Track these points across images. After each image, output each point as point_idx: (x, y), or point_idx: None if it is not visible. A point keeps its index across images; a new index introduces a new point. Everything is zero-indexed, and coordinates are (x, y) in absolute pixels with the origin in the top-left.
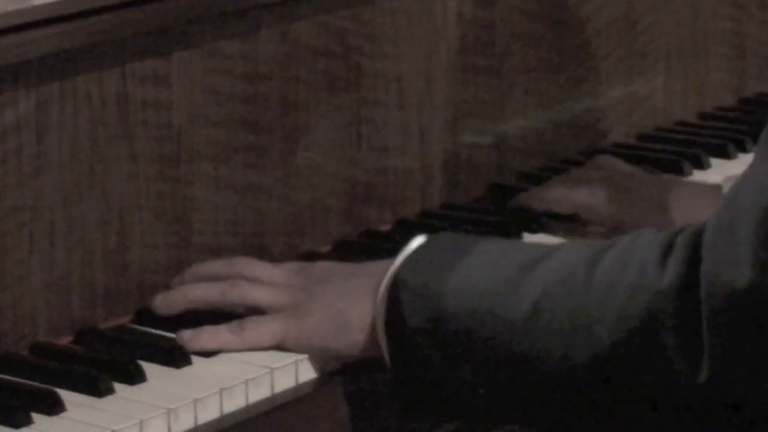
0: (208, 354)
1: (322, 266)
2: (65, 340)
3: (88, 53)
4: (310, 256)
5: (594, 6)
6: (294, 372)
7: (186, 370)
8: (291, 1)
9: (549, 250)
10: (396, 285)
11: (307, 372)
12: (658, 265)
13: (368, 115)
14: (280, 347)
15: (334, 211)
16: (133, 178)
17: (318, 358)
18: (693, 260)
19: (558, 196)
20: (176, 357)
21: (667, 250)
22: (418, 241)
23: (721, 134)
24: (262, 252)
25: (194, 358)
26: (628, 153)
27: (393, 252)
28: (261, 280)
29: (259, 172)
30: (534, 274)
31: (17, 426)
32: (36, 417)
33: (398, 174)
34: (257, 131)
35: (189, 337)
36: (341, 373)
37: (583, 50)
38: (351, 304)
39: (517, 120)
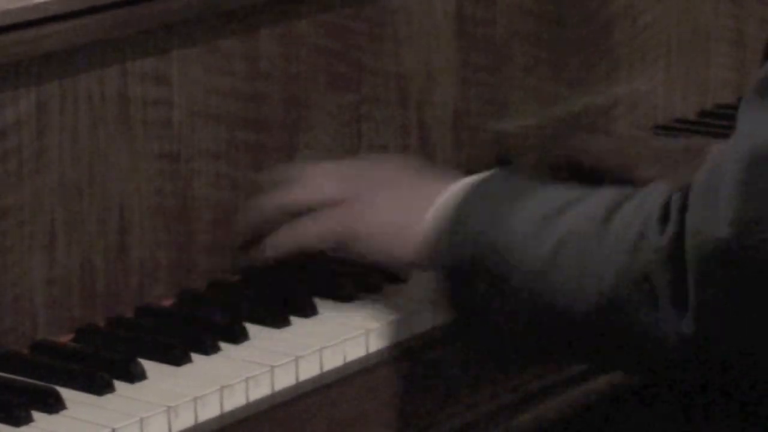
0: (209, 352)
1: (385, 168)
2: (65, 338)
3: (88, 51)
4: (311, 254)
5: (594, 3)
6: (294, 370)
7: (186, 367)
8: (291, 0)
9: (584, 194)
10: (453, 215)
11: (307, 370)
12: (658, 223)
13: (369, 113)
14: (341, 242)
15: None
16: (133, 176)
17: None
18: (682, 217)
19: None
20: (176, 355)
21: (667, 207)
22: (473, 180)
23: (722, 131)
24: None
25: (194, 356)
26: None
27: None
28: (325, 177)
29: (260, 170)
30: (558, 220)
31: (18, 424)
32: (36, 415)
33: None
34: (258, 129)
35: (270, 243)
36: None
37: (583, 48)
38: (413, 211)
39: (518, 118)
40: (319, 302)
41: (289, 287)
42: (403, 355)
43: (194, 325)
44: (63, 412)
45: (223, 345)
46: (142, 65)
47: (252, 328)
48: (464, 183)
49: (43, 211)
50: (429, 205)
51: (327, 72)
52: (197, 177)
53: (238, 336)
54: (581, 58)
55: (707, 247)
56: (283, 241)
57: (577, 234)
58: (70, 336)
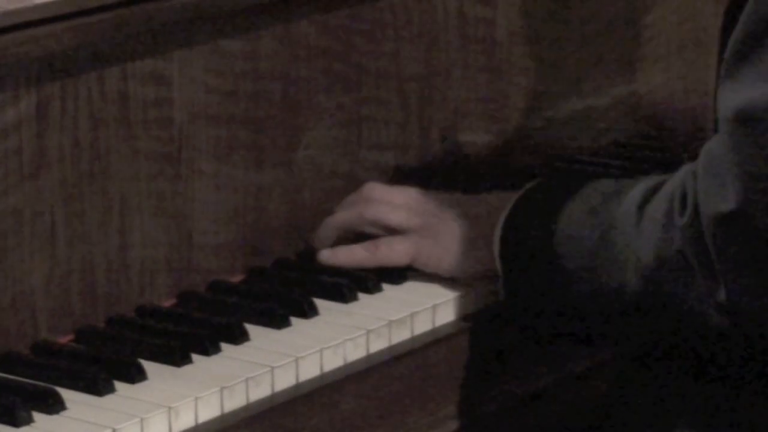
0: (209, 353)
1: (442, 196)
2: (66, 339)
3: (89, 52)
4: (310, 255)
5: (595, 4)
6: (294, 371)
7: (186, 368)
8: (291, 0)
9: (621, 186)
10: (513, 219)
11: (307, 370)
12: (680, 203)
13: (369, 113)
14: (411, 264)
15: (334, 209)
16: (133, 176)
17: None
18: (695, 196)
19: None
20: (177, 355)
21: (684, 190)
22: (529, 185)
23: None
24: (262, 250)
25: (195, 357)
26: (628, 151)
27: None
28: (394, 203)
29: (260, 171)
30: (605, 209)
31: (18, 424)
32: (37, 416)
33: (399, 172)
34: (258, 130)
35: (327, 255)
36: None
37: (583, 48)
38: (473, 228)
39: (518, 118)
40: (319, 303)
41: (289, 288)
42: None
43: (194, 326)
44: (63, 413)
45: (223, 345)
46: (142, 66)
47: (252, 329)
48: (519, 194)
49: (44, 211)
50: (494, 219)
51: (327, 72)
52: (197, 177)
53: (238, 336)
54: (581, 59)
55: (717, 220)
56: (361, 259)
57: (617, 226)
58: (71, 336)
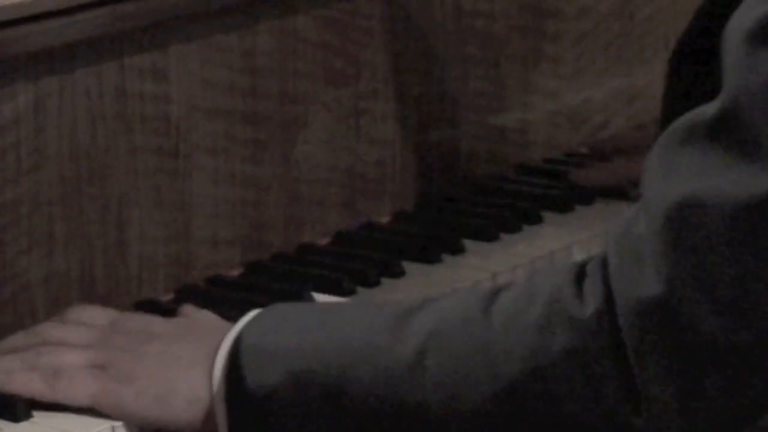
0: (19, 418)
1: (136, 322)
2: None
3: (86, 47)
4: (309, 249)
5: None
6: None
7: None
8: None
9: (427, 300)
10: (239, 349)
11: None
12: (574, 296)
13: (367, 107)
14: (96, 406)
15: (333, 203)
16: (131, 171)
17: (133, 426)
18: (607, 284)
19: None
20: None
21: (580, 279)
22: (255, 311)
23: None
24: (260, 245)
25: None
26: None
27: (392, 245)
28: (69, 342)
29: (258, 165)
30: (415, 320)
31: (18, 420)
32: (36, 411)
33: (397, 166)
34: (256, 124)
35: (1, 378)
36: None
37: (581, 41)
38: (181, 371)
39: (516, 112)
40: (318, 298)
41: (288, 283)
42: None
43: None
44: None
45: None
46: (140, 61)
47: None
48: (242, 325)
49: (42, 207)
50: (199, 361)
51: (325, 67)
52: (196, 172)
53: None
54: (579, 52)
55: (639, 307)
56: (36, 390)
57: (446, 334)
58: None
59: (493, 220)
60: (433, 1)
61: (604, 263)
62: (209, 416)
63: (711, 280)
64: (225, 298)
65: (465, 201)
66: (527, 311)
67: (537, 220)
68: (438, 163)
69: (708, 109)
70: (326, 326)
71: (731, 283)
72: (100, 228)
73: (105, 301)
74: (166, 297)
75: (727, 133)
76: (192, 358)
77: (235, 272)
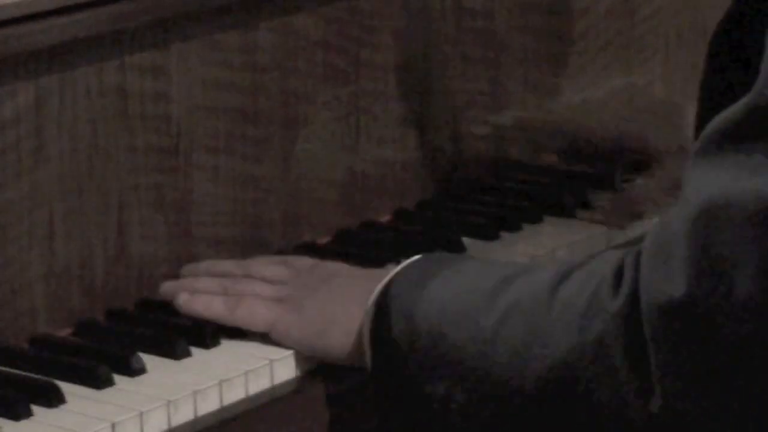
0: (208, 346)
1: (330, 267)
2: (65, 332)
3: (87, 45)
4: (309, 248)
5: None
6: (293, 363)
7: (186, 361)
8: None
9: (525, 268)
10: (384, 297)
11: (306, 364)
12: (611, 289)
13: (367, 106)
14: (269, 333)
15: (333, 202)
16: (132, 170)
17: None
18: (636, 279)
19: None
20: (176, 349)
21: (619, 272)
22: (413, 258)
23: None
24: (261, 244)
25: (194, 350)
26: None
27: (392, 243)
28: (266, 278)
29: (258, 164)
30: (506, 290)
31: (17, 418)
32: (36, 409)
33: (397, 165)
34: (256, 123)
35: (185, 299)
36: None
37: (581, 40)
38: (342, 306)
39: (516, 110)
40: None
41: None
42: None
43: (194, 319)
44: (63, 406)
45: (222, 339)
46: (140, 59)
47: None
48: (391, 274)
49: (42, 205)
50: (361, 301)
51: (325, 65)
52: (196, 171)
53: (237, 330)
54: (579, 51)
55: (663, 306)
56: (217, 314)
57: (523, 304)
58: (70, 330)
59: (493, 218)
60: (433, 0)
61: (638, 257)
62: (360, 351)
63: (733, 281)
64: None
65: (465, 200)
66: (580, 296)
67: (537, 219)
68: (438, 162)
69: (737, 109)
70: (450, 285)
71: (752, 284)
72: (100, 227)
73: (105, 299)
74: None
75: (752, 134)
76: (355, 296)
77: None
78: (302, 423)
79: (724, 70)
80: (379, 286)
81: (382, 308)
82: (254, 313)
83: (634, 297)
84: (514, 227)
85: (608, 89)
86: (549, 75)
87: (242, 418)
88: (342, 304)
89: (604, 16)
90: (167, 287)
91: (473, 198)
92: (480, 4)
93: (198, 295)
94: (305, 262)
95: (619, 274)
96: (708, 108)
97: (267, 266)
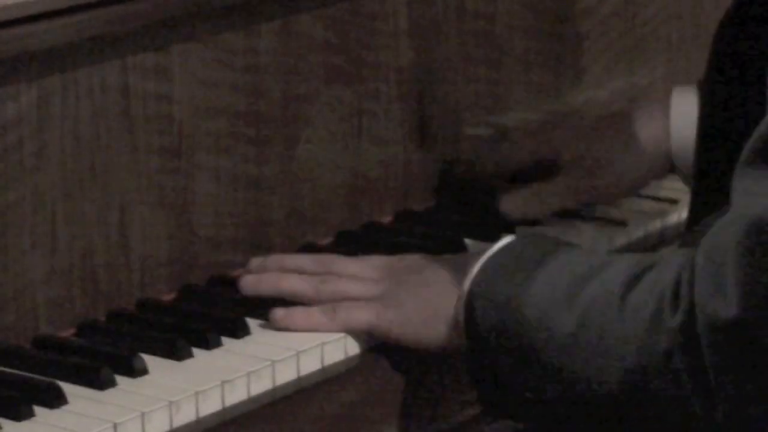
0: (210, 347)
1: (408, 259)
2: (67, 333)
3: (89, 46)
4: (311, 248)
5: None
6: (295, 364)
7: (188, 362)
8: None
9: (600, 265)
10: (477, 287)
11: (308, 364)
12: (671, 303)
13: (369, 107)
14: (370, 334)
15: (335, 203)
16: (134, 170)
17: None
18: (692, 298)
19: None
20: (178, 350)
21: (677, 287)
22: (500, 243)
23: None
24: (263, 244)
25: (196, 351)
26: None
27: (394, 245)
28: (352, 275)
29: (261, 165)
30: (581, 292)
31: (19, 418)
32: (38, 410)
33: (399, 166)
34: (258, 124)
35: (282, 316)
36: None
37: (584, 41)
38: (438, 296)
39: (518, 112)
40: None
41: None
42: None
43: (195, 320)
44: (64, 407)
45: (224, 339)
46: (142, 60)
47: (253, 323)
48: (482, 261)
49: (44, 206)
50: (454, 289)
51: (327, 66)
52: (198, 171)
53: (239, 330)
54: (582, 52)
55: (717, 326)
56: (318, 324)
57: (598, 309)
58: (72, 331)
59: (494, 220)
60: (436, 1)
61: (692, 272)
62: (460, 340)
63: None
64: (227, 298)
65: (467, 201)
66: (647, 306)
67: (539, 220)
68: (440, 163)
69: None
70: (529, 284)
71: None
72: (102, 227)
73: (107, 300)
74: (169, 297)
75: None
76: (447, 284)
77: (238, 272)
78: (304, 424)
79: (727, 69)
80: (471, 277)
81: (475, 295)
82: (354, 316)
83: (692, 314)
84: (515, 229)
85: (610, 90)
86: (551, 77)
87: (244, 419)
88: (437, 295)
89: (607, 18)
90: (250, 284)
91: (475, 199)
92: (482, 5)
93: (292, 310)
94: (378, 258)
95: (677, 289)
96: (712, 107)
97: (349, 262)
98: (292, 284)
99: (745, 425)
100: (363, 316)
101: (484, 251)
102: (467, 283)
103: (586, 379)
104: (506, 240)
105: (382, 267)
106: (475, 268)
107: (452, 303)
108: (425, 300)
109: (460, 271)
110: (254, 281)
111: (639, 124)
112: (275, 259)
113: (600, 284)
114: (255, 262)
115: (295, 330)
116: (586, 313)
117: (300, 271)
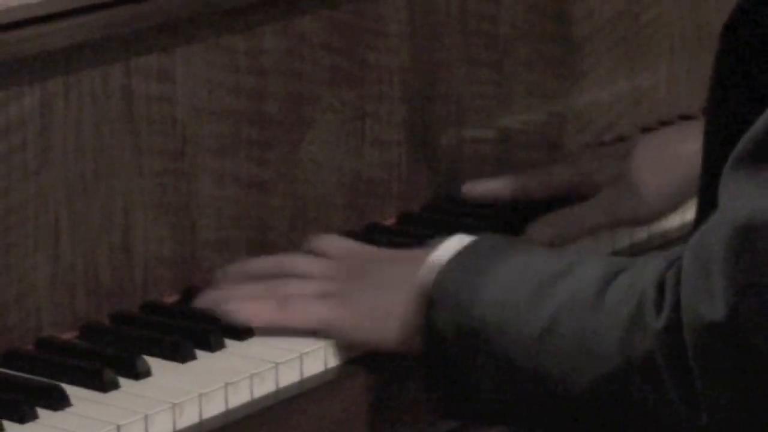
0: (213, 349)
1: (367, 251)
2: (70, 335)
3: (92, 48)
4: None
5: None
6: (299, 367)
7: (191, 364)
8: None
9: (571, 264)
10: (437, 286)
11: (311, 366)
12: (654, 304)
13: (372, 109)
14: (322, 332)
15: (338, 205)
16: (137, 172)
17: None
18: (677, 299)
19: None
20: (181, 352)
21: (660, 288)
22: (455, 241)
23: None
24: (266, 246)
25: (199, 353)
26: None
27: (397, 247)
28: (307, 273)
29: (264, 167)
30: (552, 290)
31: (23, 421)
32: (41, 412)
33: (402, 168)
34: (261, 126)
35: (234, 308)
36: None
37: (586, 43)
38: (392, 295)
39: (521, 114)
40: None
41: None
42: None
43: (199, 322)
44: (68, 409)
45: (227, 342)
46: (146, 62)
47: None
48: (439, 261)
49: (48, 207)
50: (410, 288)
51: (330, 68)
52: (201, 173)
53: (243, 333)
54: (584, 54)
55: (704, 329)
56: (268, 318)
57: (572, 306)
58: (75, 333)
59: (498, 222)
60: (438, 3)
61: (679, 272)
62: (414, 340)
63: None
64: None
65: (469, 203)
66: (626, 305)
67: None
68: (443, 165)
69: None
70: (492, 282)
71: None
72: (105, 229)
73: (110, 302)
74: (171, 298)
75: None
76: (403, 283)
77: None
78: (307, 426)
79: (733, 71)
80: (431, 274)
81: (434, 297)
82: (306, 313)
83: (676, 317)
84: (519, 230)
85: (613, 93)
86: (554, 79)
87: (247, 421)
88: (392, 292)
89: (609, 20)
90: (209, 298)
91: (477, 201)
92: (484, 7)
93: (245, 302)
94: (338, 245)
95: (661, 290)
96: (718, 108)
97: (304, 261)
98: (251, 291)
99: (730, 429)
100: (315, 312)
101: (441, 246)
102: (426, 283)
103: (558, 378)
104: (461, 238)
105: (335, 261)
106: (435, 267)
107: (407, 303)
108: (378, 298)
109: (415, 268)
110: (211, 299)
111: (675, 143)
112: (236, 267)
113: (574, 282)
114: (220, 273)
115: (245, 322)
116: (558, 312)
117: (257, 277)
